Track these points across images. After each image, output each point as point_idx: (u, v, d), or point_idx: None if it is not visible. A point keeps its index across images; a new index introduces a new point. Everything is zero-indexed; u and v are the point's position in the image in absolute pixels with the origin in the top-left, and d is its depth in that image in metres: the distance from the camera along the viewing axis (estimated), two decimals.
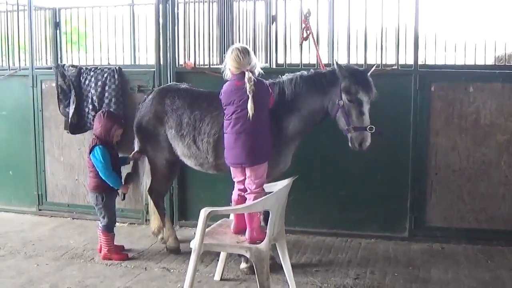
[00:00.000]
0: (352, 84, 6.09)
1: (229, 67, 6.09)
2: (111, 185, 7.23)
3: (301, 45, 7.14)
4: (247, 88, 5.84)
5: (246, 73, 5.92)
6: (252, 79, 5.89)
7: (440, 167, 7.63)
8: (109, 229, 7.29)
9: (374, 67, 6.48)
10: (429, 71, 7.92)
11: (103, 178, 7.19)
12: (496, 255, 7.26)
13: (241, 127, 5.96)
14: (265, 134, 6.11)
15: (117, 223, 7.55)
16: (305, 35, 7.04)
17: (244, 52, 6.03)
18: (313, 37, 7.08)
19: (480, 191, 7.57)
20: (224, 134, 6.16)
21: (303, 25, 7.05)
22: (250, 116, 5.84)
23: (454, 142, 7.55)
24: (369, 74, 6.31)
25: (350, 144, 6.22)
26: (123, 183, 7.40)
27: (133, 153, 7.64)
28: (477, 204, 7.59)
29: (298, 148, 6.70)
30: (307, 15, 7.01)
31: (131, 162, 7.77)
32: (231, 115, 6.02)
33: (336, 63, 6.29)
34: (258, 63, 6.22)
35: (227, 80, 6.20)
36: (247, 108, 5.86)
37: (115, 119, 7.47)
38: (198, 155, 6.92)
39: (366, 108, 6.14)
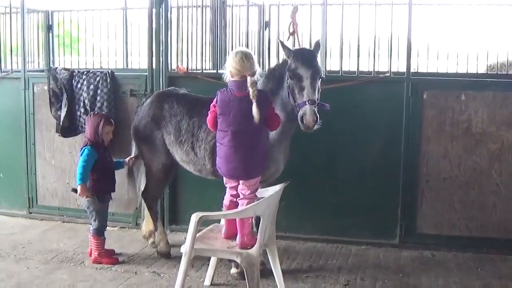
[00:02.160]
0: (292, 61, 5.94)
1: (230, 70, 5.89)
2: (77, 183, 7.07)
3: (288, 39, 7.12)
4: (250, 93, 5.68)
5: (249, 78, 5.73)
6: (255, 84, 5.76)
7: (431, 175, 7.64)
8: (99, 233, 7.27)
9: (318, 44, 6.30)
10: (422, 79, 7.93)
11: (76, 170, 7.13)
12: (487, 263, 7.28)
13: (240, 141, 5.84)
14: (263, 147, 6.04)
15: (108, 227, 7.53)
16: (291, 30, 7.04)
17: (248, 56, 5.86)
18: (297, 33, 7.07)
19: (471, 199, 7.59)
20: (218, 145, 6.03)
21: (290, 20, 7.05)
22: (256, 121, 5.67)
23: (446, 150, 7.57)
24: (314, 50, 6.15)
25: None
26: (87, 186, 7.13)
27: (129, 157, 7.64)
28: (468, 212, 7.61)
29: (290, 154, 6.70)
30: (294, 10, 7.01)
31: (126, 167, 7.75)
32: (227, 127, 5.86)
33: (280, 42, 6.28)
34: (259, 70, 6.09)
35: (223, 85, 6.10)
36: (247, 122, 5.73)
37: (101, 116, 7.43)
38: (196, 162, 6.91)
39: (307, 83, 5.81)
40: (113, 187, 7.46)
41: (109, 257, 7.30)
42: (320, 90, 5.96)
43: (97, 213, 7.25)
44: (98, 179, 7.24)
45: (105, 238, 7.34)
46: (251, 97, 5.68)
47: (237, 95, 5.81)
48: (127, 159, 7.65)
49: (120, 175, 7.93)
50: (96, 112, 7.79)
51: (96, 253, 7.24)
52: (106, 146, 7.39)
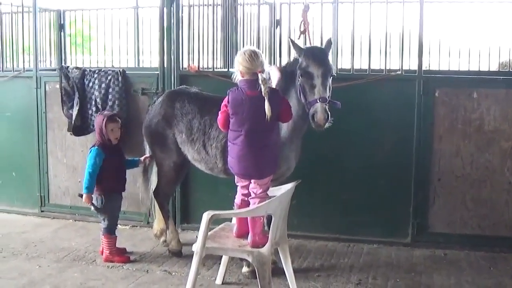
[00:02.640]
0: (303, 59, 5.94)
1: (240, 69, 5.86)
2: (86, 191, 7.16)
3: (298, 38, 7.12)
4: (262, 90, 5.67)
5: (260, 75, 5.73)
6: (266, 82, 5.75)
7: (444, 173, 7.61)
8: (110, 232, 7.28)
9: (330, 41, 6.27)
10: (433, 77, 7.89)
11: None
12: (499, 261, 7.25)
13: (254, 140, 5.82)
14: (276, 146, 6.04)
15: (119, 226, 7.55)
16: (302, 28, 7.04)
17: (257, 54, 5.85)
18: (308, 32, 7.07)
19: (483, 197, 7.55)
20: (230, 144, 6.00)
21: (301, 19, 7.04)
22: (268, 118, 5.67)
23: (458, 148, 7.54)
24: (325, 48, 6.13)
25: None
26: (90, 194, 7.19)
27: (144, 156, 7.66)
28: (480, 210, 7.57)
29: (301, 153, 6.69)
30: (305, 9, 7.01)
31: (141, 166, 7.78)
32: (241, 127, 5.84)
33: (291, 41, 6.26)
34: (268, 67, 6.09)
35: (234, 84, 6.07)
36: (260, 121, 5.72)
37: (104, 115, 7.36)
38: (208, 160, 6.92)
39: (318, 81, 5.82)
40: (122, 186, 7.46)
41: (120, 255, 7.32)
42: (331, 88, 5.95)
43: (105, 212, 7.28)
44: (106, 177, 7.24)
45: (116, 236, 7.35)
46: (263, 94, 5.67)
47: (249, 94, 5.79)
48: (142, 158, 7.65)
49: (132, 174, 7.97)
50: (100, 113, 7.71)
51: (108, 252, 7.26)
52: (115, 144, 7.36)
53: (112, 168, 7.31)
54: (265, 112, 5.68)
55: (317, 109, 5.73)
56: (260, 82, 5.71)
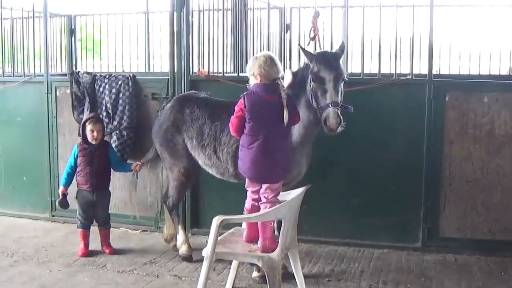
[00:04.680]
0: (315, 64, 5.95)
1: (258, 73, 5.86)
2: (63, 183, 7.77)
3: (308, 44, 7.13)
4: (282, 96, 5.76)
5: (280, 81, 5.84)
6: (284, 88, 5.84)
7: (454, 178, 7.59)
8: (79, 226, 7.74)
9: (344, 46, 6.26)
10: (444, 81, 7.90)
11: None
12: (510, 266, 7.20)
13: (270, 145, 5.85)
14: (289, 150, 6.09)
15: (129, 230, 7.60)
16: (312, 35, 7.05)
17: (276, 59, 5.93)
18: (318, 38, 7.08)
19: (494, 202, 7.52)
20: (244, 149, 5.99)
21: (311, 25, 7.05)
22: (286, 122, 5.76)
23: (468, 152, 7.51)
24: (337, 53, 6.15)
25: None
26: (64, 187, 7.79)
27: (136, 163, 7.89)
28: (491, 215, 7.54)
29: (311, 157, 6.69)
30: (315, 15, 7.02)
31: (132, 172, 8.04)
32: (259, 131, 5.84)
33: (300, 47, 6.26)
34: (283, 71, 6.13)
35: (244, 88, 6.10)
36: (278, 125, 5.80)
37: (88, 116, 7.87)
38: (219, 165, 6.93)
39: (329, 85, 5.84)
40: (95, 184, 7.68)
41: (84, 249, 7.69)
42: (343, 92, 5.95)
43: (77, 204, 7.71)
44: (79, 174, 7.71)
45: (83, 231, 7.71)
46: (283, 99, 5.75)
47: (267, 99, 5.82)
48: (133, 165, 7.88)
49: (141, 178, 8.01)
50: (88, 114, 8.15)
51: (82, 244, 7.71)
52: (98, 145, 7.70)
53: (85, 166, 7.65)
54: (282, 117, 5.75)
55: (329, 114, 5.74)
56: (280, 88, 5.81)
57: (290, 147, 6.15)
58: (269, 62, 5.85)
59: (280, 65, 5.97)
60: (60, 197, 7.70)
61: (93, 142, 7.62)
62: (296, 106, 6.05)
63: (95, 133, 7.61)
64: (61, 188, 7.72)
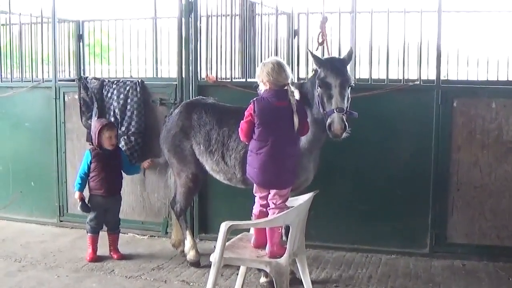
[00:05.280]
0: (322, 70, 5.95)
1: (267, 79, 5.88)
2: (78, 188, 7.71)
3: (316, 50, 7.13)
4: (292, 102, 5.80)
5: (289, 87, 5.86)
6: (294, 93, 5.87)
7: (462, 183, 7.57)
8: (88, 230, 7.75)
9: (352, 52, 6.28)
10: (451, 87, 7.89)
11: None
12: None
13: (279, 150, 5.87)
14: (298, 156, 6.10)
15: (136, 236, 7.62)
16: (320, 40, 7.06)
17: (286, 65, 5.96)
18: (326, 43, 7.09)
19: (502, 207, 7.50)
20: (253, 154, 6.00)
21: (319, 30, 7.06)
22: (296, 128, 5.81)
23: (476, 158, 7.50)
24: (344, 59, 6.15)
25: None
26: (80, 192, 7.72)
27: (146, 161, 8.03)
28: (499, 221, 7.52)
29: (319, 163, 6.69)
30: (324, 21, 7.03)
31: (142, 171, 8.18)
32: (268, 137, 5.87)
33: (310, 52, 6.25)
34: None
35: (252, 94, 6.11)
36: (287, 131, 5.83)
37: (100, 122, 7.82)
38: (227, 171, 6.94)
39: (335, 91, 5.83)
40: (109, 189, 7.73)
41: (92, 254, 7.71)
42: (350, 98, 5.96)
43: (88, 211, 7.73)
44: (93, 180, 7.71)
45: (92, 236, 7.71)
46: (292, 106, 5.78)
47: (277, 105, 5.85)
48: (143, 163, 8.04)
49: (151, 184, 8.04)
50: (98, 119, 8.15)
51: (90, 249, 7.70)
52: (110, 150, 7.74)
53: (100, 172, 7.66)
54: (292, 123, 5.79)
55: (334, 119, 5.75)
56: (289, 94, 5.83)
57: (299, 153, 6.16)
58: (277, 68, 5.87)
59: (289, 71, 5.98)
60: (80, 202, 7.66)
61: (110, 148, 7.68)
62: (307, 117, 6.07)
63: (112, 139, 7.69)
64: (77, 194, 7.67)
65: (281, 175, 5.91)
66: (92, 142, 7.91)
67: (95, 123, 7.84)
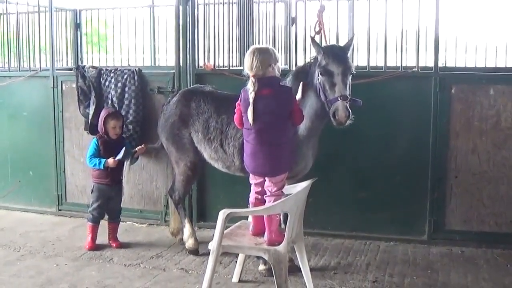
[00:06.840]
0: (323, 57, 5.94)
1: (249, 71, 5.87)
2: (98, 167, 7.59)
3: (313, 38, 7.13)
4: (250, 91, 5.79)
5: (251, 77, 5.81)
6: (254, 84, 5.78)
7: (460, 170, 7.58)
8: (92, 221, 7.70)
9: (352, 40, 6.29)
10: (450, 74, 7.88)
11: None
12: None
13: (265, 138, 5.84)
14: (290, 144, 6.04)
15: (135, 224, 7.61)
16: (317, 29, 7.04)
17: (260, 52, 5.86)
18: (324, 32, 7.07)
19: (500, 194, 7.51)
20: (245, 142, 6.04)
21: (316, 19, 7.04)
22: (251, 124, 5.78)
23: (474, 145, 7.50)
24: (345, 47, 6.14)
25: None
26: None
27: (140, 146, 7.91)
28: (497, 208, 7.53)
29: (318, 150, 6.69)
30: (321, 9, 7.01)
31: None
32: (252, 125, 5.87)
33: (311, 38, 6.23)
34: (281, 66, 6.10)
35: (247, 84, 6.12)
36: (270, 119, 5.79)
37: (107, 110, 7.84)
38: (225, 159, 6.95)
39: (338, 79, 5.84)
40: (114, 178, 7.71)
41: (91, 242, 7.71)
42: (350, 86, 5.96)
43: (92, 198, 7.75)
44: (96, 168, 7.65)
45: (93, 225, 7.70)
46: (249, 97, 5.78)
47: (260, 93, 5.80)
48: (137, 148, 7.90)
49: (149, 173, 8.04)
50: (106, 108, 8.13)
51: (89, 238, 7.70)
52: (115, 139, 7.71)
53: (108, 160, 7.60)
54: (277, 110, 5.77)
55: (338, 107, 5.75)
56: (274, 80, 5.87)
57: (291, 141, 6.10)
58: (252, 57, 5.84)
59: (269, 56, 5.89)
60: (121, 153, 7.55)
61: (114, 137, 7.67)
62: (299, 107, 6.06)
63: (117, 129, 7.69)
64: (111, 161, 7.51)
65: (271, 162, 5.89)
66: (89, 131, 7.91)
67: (102, 111, 7.82)
